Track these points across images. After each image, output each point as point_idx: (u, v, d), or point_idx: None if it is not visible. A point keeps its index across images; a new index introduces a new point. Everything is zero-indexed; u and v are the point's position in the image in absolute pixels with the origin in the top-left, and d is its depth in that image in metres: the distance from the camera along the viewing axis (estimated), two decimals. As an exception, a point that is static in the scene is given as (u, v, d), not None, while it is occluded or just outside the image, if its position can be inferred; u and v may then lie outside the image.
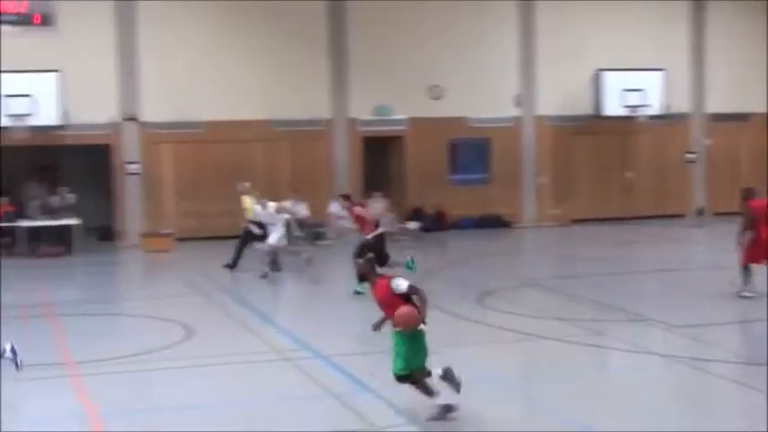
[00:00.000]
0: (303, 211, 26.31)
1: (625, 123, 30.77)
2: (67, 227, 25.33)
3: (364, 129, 29.26)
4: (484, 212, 30.18)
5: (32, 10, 26.20)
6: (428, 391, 10.29)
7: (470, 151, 30.52)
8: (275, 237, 20.56)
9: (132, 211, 27.28)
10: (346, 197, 20.27)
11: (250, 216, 22.10)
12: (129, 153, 27.21)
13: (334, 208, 26.71)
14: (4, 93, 24.72)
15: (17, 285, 20.40)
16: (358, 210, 19.36)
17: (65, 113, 25.47)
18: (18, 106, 24.85)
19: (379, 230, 19.01)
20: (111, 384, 12.33)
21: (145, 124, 27.17)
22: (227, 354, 13.71)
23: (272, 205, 20.75)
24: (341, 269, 21.96)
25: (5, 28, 25.93)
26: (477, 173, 30.67)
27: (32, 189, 26.68)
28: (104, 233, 27.52)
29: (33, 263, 23.86)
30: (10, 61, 25.01)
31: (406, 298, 10.23)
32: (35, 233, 25.37)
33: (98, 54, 26.48)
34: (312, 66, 28.67)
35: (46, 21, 26.33)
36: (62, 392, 11.97)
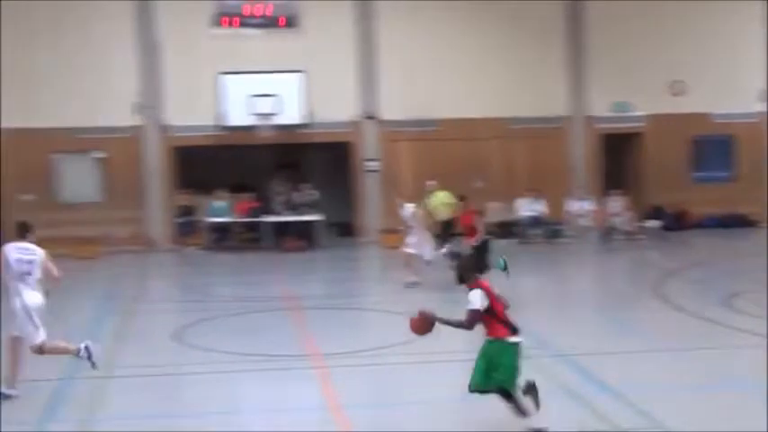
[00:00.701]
0: (541, 208, 26.14)
1: None
2: (310, 222, 26.12)
3: (602, 126, 28.74)
4: (728, 211, 29.05)
5: (278, 13, 27.16)
6: (519, 410, 9.72)
7: (713, 148, 29.44)
8: (426, 245, 19.41)
9: (371, 208, 27.83)
10: (462, 198, 19.77)
11: (438, 216, 21.97)
12: (369, 151, 27.78)
13: (574, 206, 26.43)
14: (250, 93, 25.74)
15: (263, 279, 21.18)
16: (470, 217, 18.96)
17: (308, 112, 26.28)
18: (264, 106, 25.84)
19: (483, 239, 18.54)
20: (353, 377, 12.57)
21: (384, 122, 27.66)
22: (466, 350, 13.71)
23: (408, 207, 19.89)
24: (578, 267, 21.73)
25: (249, 31, 27.00)
26: (720, 170, 29.58)
27: (277, 186, 27.67)
28: (344, 229, 28.19)
29: (278, 257, 24.70)
30: (256, 63, 26.08)
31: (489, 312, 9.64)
32: (280, 228, 26.28)
33: (339, 54, 27.16)
34: (549, 63, 28.42)
35: (290, 23, 27.23)
36: (307, 384, 12.30)
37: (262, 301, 18.49)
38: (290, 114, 26.11)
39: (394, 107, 27.56)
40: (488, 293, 9.66)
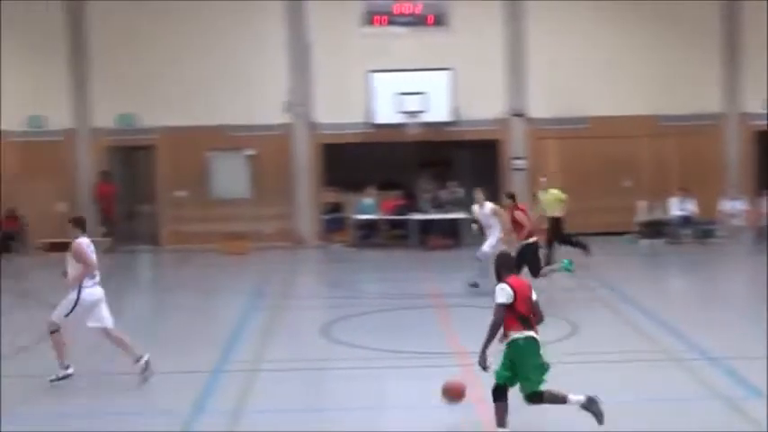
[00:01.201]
0: (692, 208, 25.54)
1: None
2: (456, 220, 26.12)
3: (757, 123, 27.86)
4: None
5: (427, 11, 27.25)
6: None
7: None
8: (491, 242, 18.79)
9: (512, 206, 27.62)
10: (510, 196, 19.10)
11: (549, 213, 21.65)
12: (516, 148, 27.61)
13: (726, 206, 25.74)
14: (398, 91, 25.91)
15: (409, 276, 21.30)
16: (517, 214, 18.02)
17: (455, 110, 26.29)
18: (412, 103, 25.97)
19: (533, 239, 17.87)
20: (498, 376, 12.53)
21: (531, 120, 27.46)
22: (614, 351, 13.54)
23: (488, 206, 19.21)
24: (729, 268, 21.14)
25: (398, 29, 27.17)
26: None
27: (424, 183, 27.78)
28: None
29: (423, 255, 24.78)
30: (404, 60, 26.23)
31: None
32: (426, 226, 26.36)
33: (488, 52, 27.08)
34: (702, 62, 27.70)
35: (439, 21, 27.30)
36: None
37: (407, 298, 18.59)
38: (438, 112, 26.18)
39: (541, 105, 27.35)
40: (516, 291, 9.56)
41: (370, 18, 27.17)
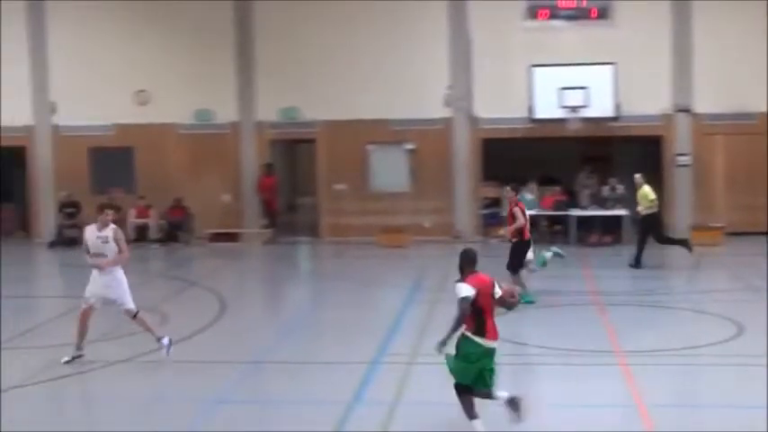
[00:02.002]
0: None
1: None
2: (617, 217, 25.68)
3: None
4: None
5: (591, 4, 26.84)
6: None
7: None
8: None
9: (682, 204, 26.98)
10: (514, 189, 18.24)
11: (644, 208, 21.40)
12: (681, 145, 26.94)
13: None
14: (560, 85, 25.62)
15: (567, 273, 21.05)
16: (516, 210, 17.49)
17: (618, 105, 25.82)
18: (574, 99, 25.64)
19: (526, 237, 17.49)
20: (659, 376, 12.29)
21: (697, 116, 26.73)
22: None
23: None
24: None
25: (560, 23, 26.86)
26: None
27: (584, 179, 27.40)
28: (653, 225, 27.47)
29: (583, 251, 24.43)
30: (567, 55, 25.91)
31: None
32: (585, 222, 26.00)
33: (653, 46, 26.45)
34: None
35: (603, 14, 26.86)
36: (612, 381, 12.14)
37: (566, 295, 18.39)
38: (600, 107, 25.76)
39: (708, 100, 26.56)
40: (478, 288, 9.73)
41: (534, 12, 26.94)
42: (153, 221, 27.34)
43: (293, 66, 27.34)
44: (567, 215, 26.17)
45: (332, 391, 11.62)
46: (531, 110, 26.18)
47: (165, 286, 21.03)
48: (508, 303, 10.25)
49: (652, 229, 21.69)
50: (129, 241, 26.19)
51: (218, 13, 27.52)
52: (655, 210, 21.67)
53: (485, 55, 26.73)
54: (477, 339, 9.83)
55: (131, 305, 13.43)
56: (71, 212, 27.44)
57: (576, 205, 26.56)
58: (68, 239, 26.79)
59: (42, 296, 20.84)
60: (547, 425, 10.57)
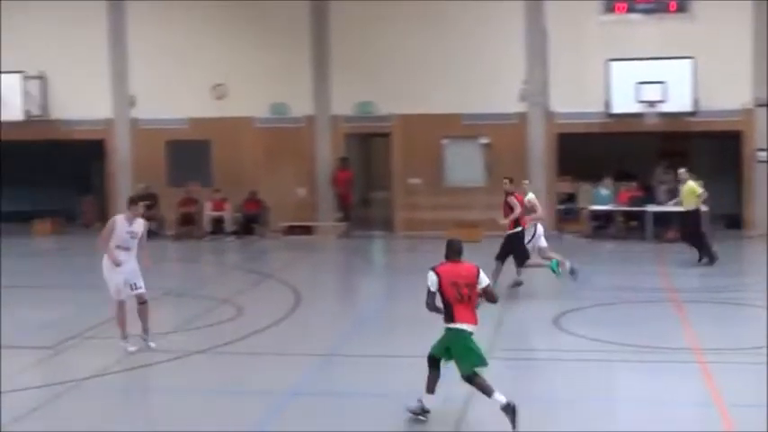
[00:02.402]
0: None
1: None
2: (694, 212, 25.23)
3: None
4: None
5: (670, -3, 26.52)
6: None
7: None
8: None
9: (761, 200, 26.51)
10: (512, 181, 18.37)
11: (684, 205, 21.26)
12: (761, 140, 26.46)
13: None
14: (638, 80, 25.31)
15: (643, 269, 20.85)
16: (511, 200, 18.02)
17: (696, 100, 25.43)
18: (651, 93, 25.30)
19: (520, 228, 17.93)
20: (738, 375, 12.10)
21: (778, 111, 26.25)
22: None
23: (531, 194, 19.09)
24: None
25: (638, 17, 26.54)
26: None
27: (661, 174, 27.05)
28: (732, 221, 27.05)
29: (659, 247, 24.14)
30: (644, 49, 25.59)
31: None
32: (662, 218, 25.65)
33: (733, 40, 26.01)
34: None
35: (681, 8, 26.49)
36: (688, 378, 12.00)
37: (642, 291, 18.21)
38: (678, 102, 25.37)
39: (790, 94, 26.08)
40: (441, 277, 10.41)
41: (611, 6, 26.66)
42: (228, 214, 27.61)
43: (368, 60, 27.41)
44: (643, 211, 25.87)
45: (404, 385, 11.63)
46: (607, 104, 25.91)
47: (240, 279, 21.24)
48: (490, 296, 10.73)
49: (701, 224, 21.42)
50: (204, 234, 27.04)
51: (295, 9, 27.68)
52: (699, 206, 21.40)
53: (561, 49, 26.53)
54: (447, 324, 10.41)
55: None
56: (148, 205, 27.80)
57: (652, 201, 26.24)
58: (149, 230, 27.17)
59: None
60: (625, 422, 10.49)
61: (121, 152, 28.77)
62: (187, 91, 28.03)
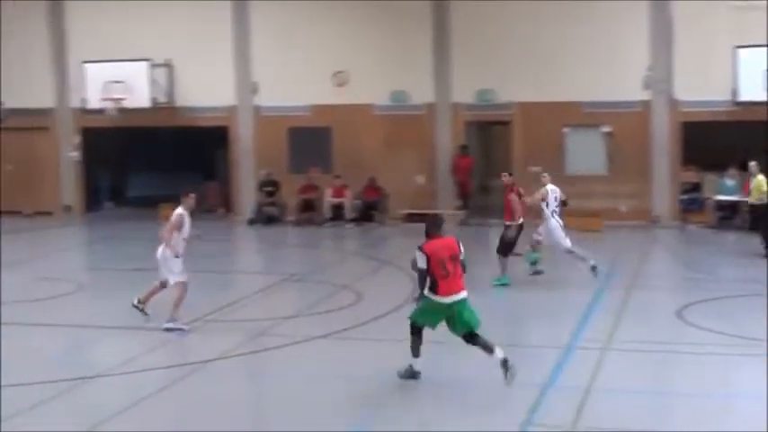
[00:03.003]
0: None
1: None
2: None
3: None
4: None
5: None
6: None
7: None
8: None
9: None
10: (509, 175, 18.31)
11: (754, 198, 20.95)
12: None
13: None
14: (766, 67, 24.59)
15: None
16: (512, 197, 18.11)
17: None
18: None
19: (518, 222, 17.97)
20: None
21: None
22: None
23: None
24: None
25: (764, 2, 25.75)
26: None
27: None
28: None
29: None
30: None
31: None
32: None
33: None
34: None
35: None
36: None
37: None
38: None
39: None
40: (430, 256, 11.35)
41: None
42: (348, 201, 27.82)
43: (489, 47, 27.24)
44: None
45: (525, 375, 11.58)
46: (734, 92, 25.26)
47: (360, 265, 21.41)
48: (462, 266, 11.70)
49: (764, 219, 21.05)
50: (324, 220, 27.33)
51: (418, -2, 27.72)
52: (765, 200, 21.13)
53: (686, 35, 25.94)
54: (431, 296, 11.41)
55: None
56: (270, 191, 28.25)
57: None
58: (267, 217, 27.64)
59: (240, 271, 21.57)
60: (736, 417, 10.27)
61: (244, 139, 29.23)
62: (309, 78, 28.31)
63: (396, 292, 17.01)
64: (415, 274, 11.66)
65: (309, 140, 28.55)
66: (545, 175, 18.97)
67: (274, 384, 12.27)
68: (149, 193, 30.85)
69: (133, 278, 18.00)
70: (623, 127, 26.67)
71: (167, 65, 28.83)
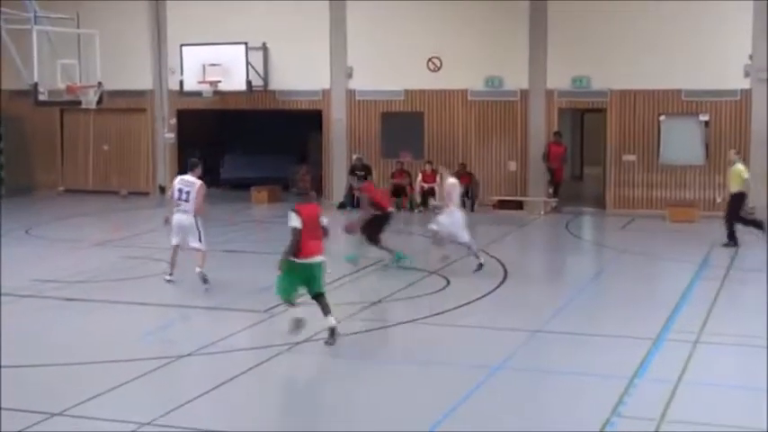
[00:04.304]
0: None
1: None
2: None
3: None
4: None
5: None
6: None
7: None
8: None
9: None
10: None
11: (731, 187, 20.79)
12: None
13: None
14: None
15: None
16: (366, 186, 19.43)
17: None
18: None
19: (379, 212, 18.29)
20: None
21: None
22: None
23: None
24: None
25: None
26: None
27: None
28: None
29: None
30: None
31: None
32: None
33: None
34: None
35: None
36: None
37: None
38: None
39: None
40: (304, 217, 12.34)
41: None
42: (439, 186, 27.74)
43: (584, 34, 26.94)
44: None
45: (614, 365, 11.48)
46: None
47: (448, 251, 21.33)
48: (326, 231, 12.73)
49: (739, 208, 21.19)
50: (417, 205, 27.30)
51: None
52: (744, 190, 21.04)
53: (789, 24, 25.34)
54: (292, 259, 12.24)
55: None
56: (362, 175, 28.28)
57: None
58: (358, 201, 27.71)
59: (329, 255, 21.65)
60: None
61: (337, 123, 29.36)
62: (403, 63, 28.33)
63: (485, 279, 16.99)
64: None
65: (402, 125, 28.59)
66: (447, 168, 19.44)
67: (359, 368, 12.27)
68: (243, 175, 31.22)
69: (221, 259, 18.25)
70: (721, 116, 26.18)
71: (263, 48, 29.10)
